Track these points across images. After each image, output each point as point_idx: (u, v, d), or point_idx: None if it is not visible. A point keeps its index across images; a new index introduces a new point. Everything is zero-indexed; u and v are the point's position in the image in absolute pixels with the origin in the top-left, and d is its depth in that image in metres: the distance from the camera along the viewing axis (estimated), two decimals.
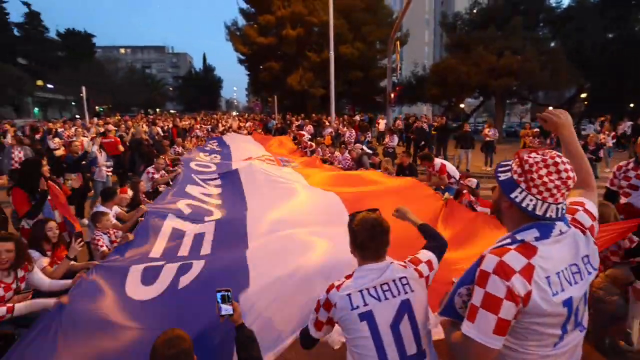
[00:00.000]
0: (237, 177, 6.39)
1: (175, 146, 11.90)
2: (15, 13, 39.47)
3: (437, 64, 27.44)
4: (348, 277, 1.76)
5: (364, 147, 10.60)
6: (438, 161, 6.41)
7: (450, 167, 6.33)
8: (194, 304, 2.73)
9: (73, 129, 13.90)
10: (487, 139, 12.69)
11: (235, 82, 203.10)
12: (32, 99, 41.08)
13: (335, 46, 18.26)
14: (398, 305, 1.66)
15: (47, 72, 40.52)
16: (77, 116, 31.52)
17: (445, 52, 30.61)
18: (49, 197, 4.45)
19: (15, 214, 4.53)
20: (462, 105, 31.67)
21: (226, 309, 1.95)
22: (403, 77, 29.49)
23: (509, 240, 1.32)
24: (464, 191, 5.61)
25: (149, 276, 3.19)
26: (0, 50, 37.29)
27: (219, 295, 1.98)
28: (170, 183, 6.64)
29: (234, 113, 45.09)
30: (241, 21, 32.20)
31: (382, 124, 19.22)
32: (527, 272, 1.20)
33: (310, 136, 15.65)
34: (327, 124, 15.20)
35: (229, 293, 1.99)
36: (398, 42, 12.19)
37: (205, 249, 4.03)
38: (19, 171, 5.37)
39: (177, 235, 4.25)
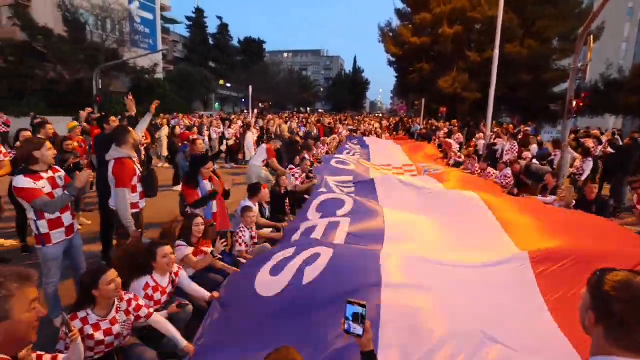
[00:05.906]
0: (372, 187, 6.22)
1: (320, 144, 12.35)
2: (211, 25, 50.86)
3: None
4: None
5: (535, 162, 8.70)
6: None
7: None
8: (316, 309, 2.64)
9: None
10: None
11: (381, 84, 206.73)
12: (215, 95, 50.18)
13: (501, 44, 15.92)
14: None
15: (227, 73, 48.96)
16: (245, 111, 36.86)
17: None
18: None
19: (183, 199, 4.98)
20: None
21: (355, 327, 1.51)
22: (586, 81, 23.94)
23: None
24: None
25: (278, 267, 3.24)
26: (200, 56, 47.55)
27: (349, 308, 1.50)
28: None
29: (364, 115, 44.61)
30: (395, 22, 31.74)
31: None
32: None
33: (459, 146, 14.09)
34: (481, 134, 13.27)
35: (364, 310, 1.49)
36: (592, 37, 9.62)
37: (340, 237, 4.09)
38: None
39: (309, 230, 4.43)
